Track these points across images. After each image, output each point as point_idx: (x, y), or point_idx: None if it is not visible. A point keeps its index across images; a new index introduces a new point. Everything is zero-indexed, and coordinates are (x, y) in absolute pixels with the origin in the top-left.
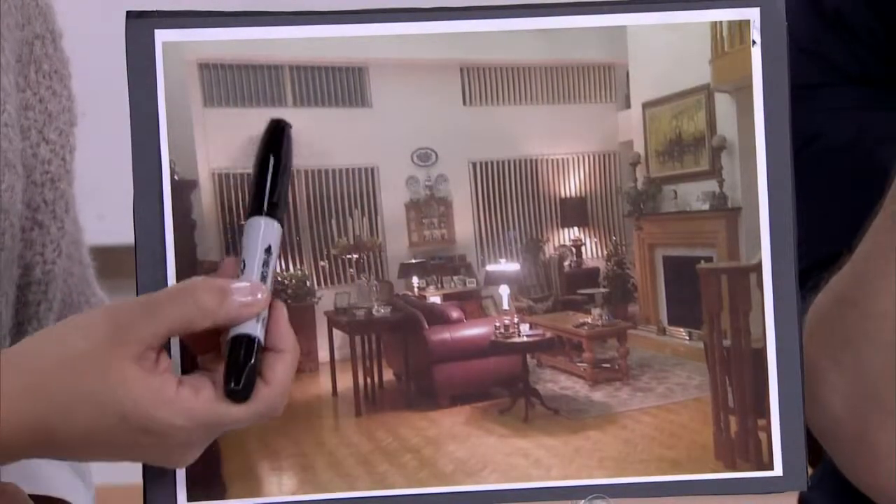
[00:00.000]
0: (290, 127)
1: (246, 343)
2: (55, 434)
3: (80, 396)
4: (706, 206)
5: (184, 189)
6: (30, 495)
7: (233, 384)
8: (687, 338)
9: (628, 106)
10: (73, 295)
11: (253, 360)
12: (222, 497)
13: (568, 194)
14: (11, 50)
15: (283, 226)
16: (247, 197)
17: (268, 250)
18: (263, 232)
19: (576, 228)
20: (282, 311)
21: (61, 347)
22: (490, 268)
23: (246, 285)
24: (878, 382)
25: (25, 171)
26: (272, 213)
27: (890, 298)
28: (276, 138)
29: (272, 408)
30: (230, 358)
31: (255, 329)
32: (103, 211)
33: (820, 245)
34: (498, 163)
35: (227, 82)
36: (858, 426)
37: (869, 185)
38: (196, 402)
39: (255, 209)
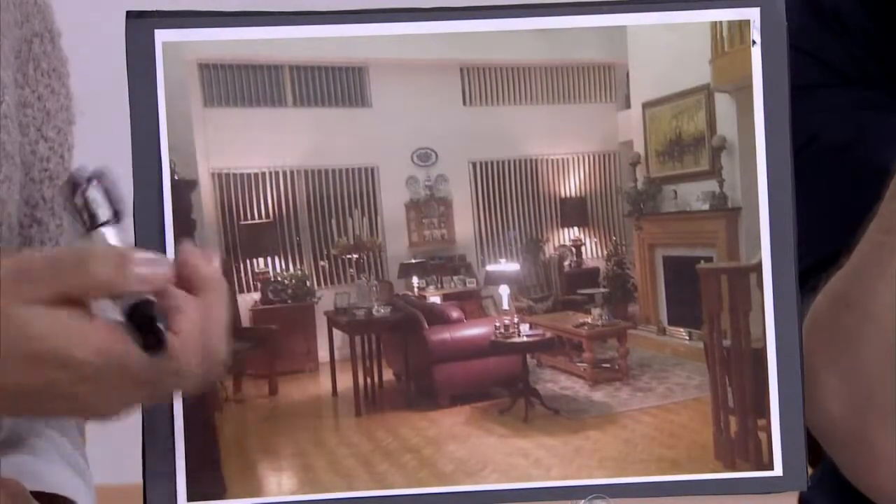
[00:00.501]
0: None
1: (143, 306)
2: None
3: None
4: (706, 206)
5: (183, 189)
6: (31, 492)
7: (147, 343)
8: (687, 338)
9: (628, 106)
10: None
11: (158, 324)
12: (222, 496)
13: (568, 194)
14: (10, 47)
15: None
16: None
17: None
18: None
19: (576, 228)
20: (191, 253)
21: None
22: (490, 268)
23: (148, 257)
24: (876, 383)
25: (24, 168)
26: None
27: (887, 299)
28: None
29: (186, 357)
30: (131, 325)
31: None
32: None
33: (820, 245)
34: (498, 163)
35: (227, 82)
36: (857, 426)
37: (868, 185)
38: (109, 332)
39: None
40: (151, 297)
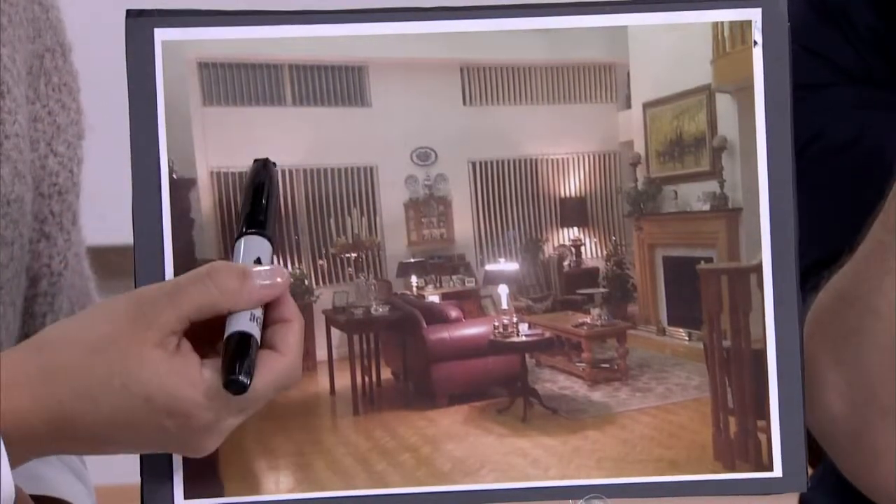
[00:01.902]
0: (275, 164)
1: (242, 338)
2: (77, 420)
3: (102, 381)
4: (706, 207)
5: (182, 188)
6: (31, 496)
7: (230, 375)
8: (686, 338)
9: (629, 106)
10: (75, 308)
11: (251, 354)
12: (220, 495)
13: (568, 194)
14: (23, 61)
15: (273, 245)
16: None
17: (257, 261)
18: (249, 246)
19: (575, 228)
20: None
21: (84, 332)
22: (489, 267)
23: (266, 269)
24: (877, 382)
25: (34, 183)
26: (256, 231)
27: (891, 297)
28: (265, 169)
29: (291, 376)
30: (227, 351)
31: (251, 327)
32: (103, 211)
33: (821, 245)
34: (497, 162)
35: (227, 81)
36: (857, 425)
37: (870, 184)
38: (219, 381)
39: (243, 229)
40: (254, 333)
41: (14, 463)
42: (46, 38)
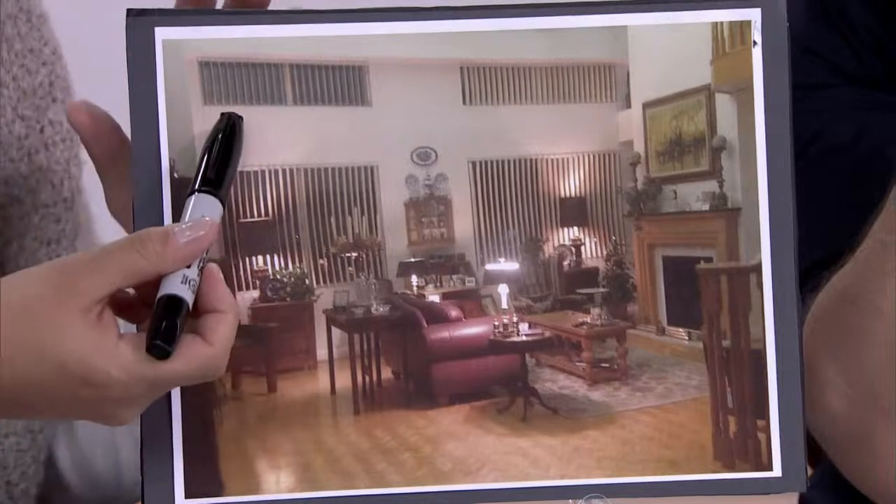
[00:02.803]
0: (241, 119)
1: (169, 301)
2: (1, 385)
3: (22, 345)
4: (706, 207)
5: (183, 187)
6: None
7: (154, 340)
8: (686, 338)
9: (629, 106)
10: None
11: (178, 319)
12: (220, 494)
13: (568, 194)
14: None
15: (225, 207)
16: (245, 195)
17: None
18: (196, 205)
19: (575, 228)
20: (216, 274)
21: (5, 295)
22: (489, 267)
23: (188, 224)
24: (878, 382)
25: (2, 149)
26: (207, 189)
27: (891, 297)
28: (228, 125)
29: (214, 367)
30: (154, 316)
31: (181, 290)
32: (103, 211)
33: (821, 245)
34: (498, 162)
35: (228, 80)
36: (857, 425)
37: (870, 185)
38: (134, 356)
39: (193, 187)
40: (185, 296)
41: None
42: (7, 6)
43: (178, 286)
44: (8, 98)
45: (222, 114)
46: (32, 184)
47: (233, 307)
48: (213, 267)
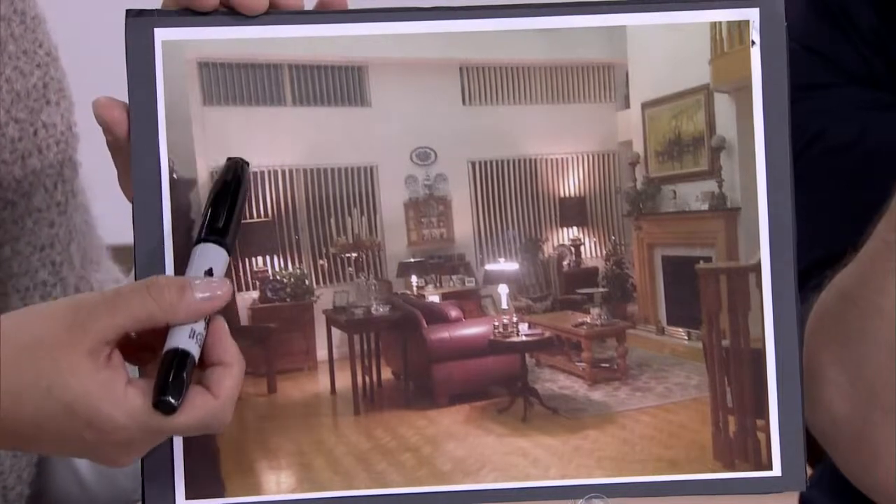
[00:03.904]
0: (248, 165)
1: (178, 356)
2: (4, 419)
3: (31, 382)
4: (705, 207)
5: (183, 188)
6: None
7: (161, 395)
8: (686, 338)
9: (628, 106)
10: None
11: (185, 374)
12: (221, 495)
13: (567, 194)
14: None
15: (231, 254)
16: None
17: (208, 273)
18: (203, 255)
19: (575, 228)
20: (223, 326)
21: (19, 334)
22: (489, 267)
23: (206, 281)
24: (879, 381)
25: None
26: (214, 239)
27: (893, 297)
28: (235, 172)
29: (219, 420)
30: (161, 370)
31: (189, 345)
32: (103, 211)
33: (822, 244)
34: (497, 162)
35: (227, 81)
36: (858, 424)
37: (872, 184)
38: (141, 403)
39: (200, 235)
40: (192, 351)
41: None
42: (1, 7)
43: (186, 340)
44: (1, 100)
45: (228, 159)
46: (26, 187)
47: (238, 360)
48: (221, 320)
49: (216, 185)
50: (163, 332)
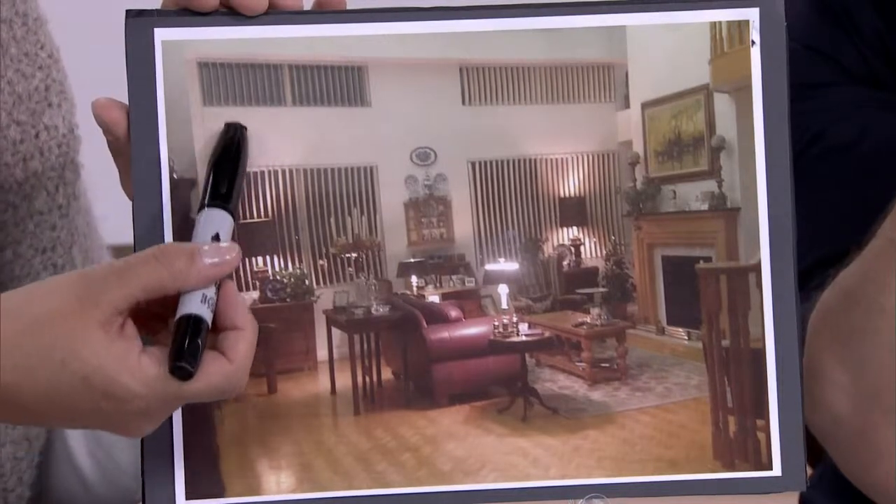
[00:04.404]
0: (246, 129)
1: (192, 322)
2: (16, 393)
3: (44, 356)
4: (705, 206)
5: (182, 188)
6: None
7: (177, 361)
8: (686, 338)
9: (627, 106)
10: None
11: (200, 339)
12: (221, 495)
13: (567, 194)
14: None
15: (235, 219)
16: (244, 196)
17: (216, 238)
18: (208, 220)
19: (575, 228)
20: (234, 290)
21: (29, 307)
22: (489, 267)
23: (214, 246)
24: (881, 380)
25: None
26: (218, 203)
27: None
28: (234, 136)
29: (234, 385)
30: (175, 336)
31: (201, 310)
32: (103, 211)
33: (823, 244)
34: (497, 162)
35: (227, 81)
36: (860, 424)
37: (873, 183)
38: (156, 371)
39: (204, 201)
40: (205, 315)
41: None
42: (2, 10)
43: (198, 305)
44: (3, 102)
45: (226, 124)
46: (27, 190)
47: (251, 323)
48: (231, 285)
49: (216, 150)
50: (172, 299)
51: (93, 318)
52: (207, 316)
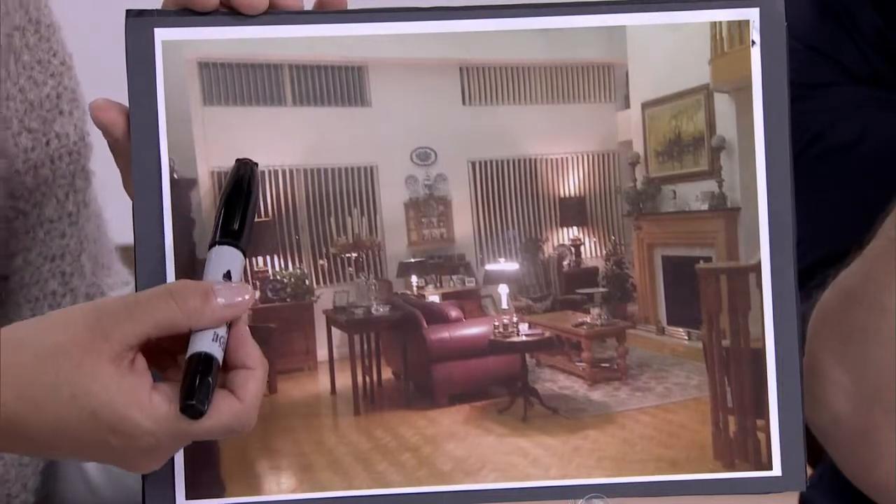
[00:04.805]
0: (257, 166)
1: (203, 360)
2: (22, 425)
3: (52, 390)
4: (705, 206)
5: (183, 188)
6: None
7: (188, 400)
8: (686, 338)
9: (628, 106)
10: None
11: (210, 378)
12: (221, 496)
13: (567, 194)
14: None
15: (245, 256)
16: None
17: (227, 276)
18: (220, 258)
19: (575, 228)
20: (244, 329)
21: (40, 339)
22: (489, 267)
23: (229, 287)
24: (881, 380)
25: (7, 161)
26: (229, 241)
27: None
28: (245, 174)
29: (244, 423)
30: (186, 374)
31: (213, 348)
32: (108, 211)
33: (823, 243)
34: (497, 162)
35: (227, 81)
36: (860, 423)
37: (873, 183)
38: (167, 409)
39: (215, 238)
40: (215, 354)
41: None
42: (15, 17)
43: (210, 344)
44: (14, 110)
45: (237, 161)
46: (37, 197)
47: (262, 363)
48: (242, 324)
49: (227, 187)
50: (182, 336)
51: (103, 353)
52: (218, 354)
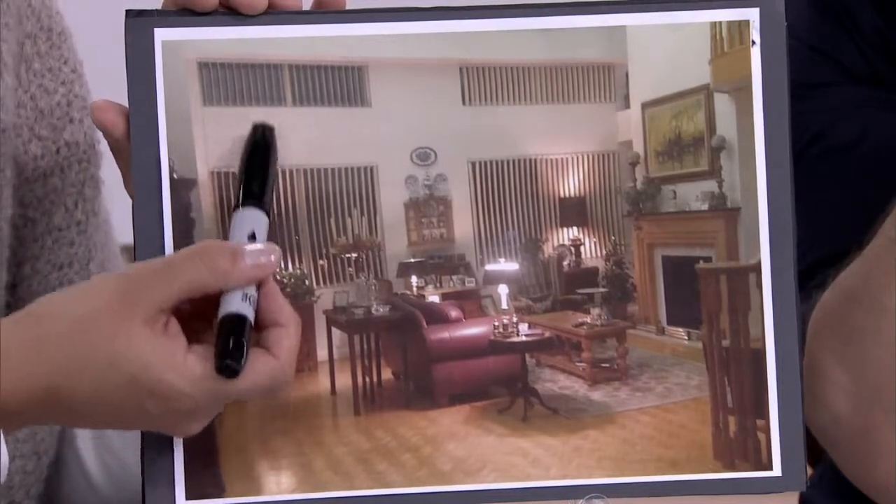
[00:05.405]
0: (274, 128)
1: (236, 320)
2: (62, 395)
3: (88, 357)
4: (705, 206)
5: (183, 188)
6: None
7: (223, 359)
8: (686, 338)
9: (628, 106)
10: None
11: (244, 337)
12: (221, 496)
13: (567, 194)
14: (8, 51)
15: (269, 217)
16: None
17: (252, 236)
18: (244, 220)
19: (575, 228)
20: (274, 288)
21: (72, 308)
22: (489, 267)
23: (258, 247)
24: (882, 380)
25: (17, 169)
26: (253, 202)
27: None
28: (263, 136)
29: (281, 381)
30: (220, 335)
31: (244, 308)
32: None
33: (823, 243)
34: (497, 162)
35: (227, 81)
36: (861, 424)
37: (874, 183)
38: (203, 370)
39: (238, 202)
40: (248, 314)
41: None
42: (27, 25)
43: (240, 304)
44: (25, 118)
45: (254, 125)
46: (46, 205)
47: (294, 319)
48: (271, 282)
49: (246, 150)
50: (211, 298)
51: (136, 317)
52: (250, 314)
